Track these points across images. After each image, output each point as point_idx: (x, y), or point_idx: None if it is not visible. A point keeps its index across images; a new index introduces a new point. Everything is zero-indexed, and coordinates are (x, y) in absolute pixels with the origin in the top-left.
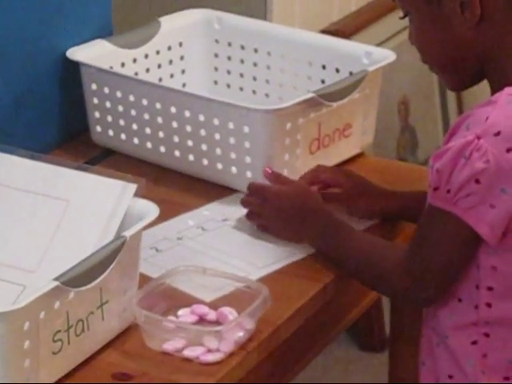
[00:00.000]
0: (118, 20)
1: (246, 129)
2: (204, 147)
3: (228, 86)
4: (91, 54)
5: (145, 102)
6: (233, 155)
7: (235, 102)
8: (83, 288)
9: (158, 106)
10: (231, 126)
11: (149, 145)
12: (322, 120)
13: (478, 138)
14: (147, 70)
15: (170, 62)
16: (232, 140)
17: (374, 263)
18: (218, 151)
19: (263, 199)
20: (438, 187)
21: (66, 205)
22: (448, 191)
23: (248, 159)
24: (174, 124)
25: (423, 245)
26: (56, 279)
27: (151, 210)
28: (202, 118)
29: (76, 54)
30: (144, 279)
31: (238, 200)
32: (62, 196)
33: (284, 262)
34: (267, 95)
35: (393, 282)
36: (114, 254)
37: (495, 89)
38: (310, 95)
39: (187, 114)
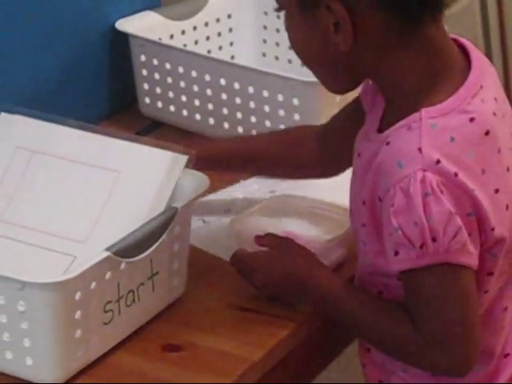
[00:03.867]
0: None
1: (296, 101)
2: (253, 119)
3: (276, 58)
4: (140, 25)
5: (194, 73)
6: (282, 127)
7: (284, 74)
8: (134, 259)
9: (207, 77)
10: (281, 98)
11: (198, 117)
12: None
13: (424, 170)
14: (196, 42)
15: (219, 34)
16: (281, 112)
17: (391, 346)
18: (268, 123)
19: (250, 272)
20: (424, 242)
21: (117, 175)
22: (434, 239)
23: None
24: (224, 96)
25: (432, 312)
26: (107, 249)
27: (202, 181)
28: (251, 90)
29: (125, 25)
30: (193, 250)
31: None
32: (112, 167)
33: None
34: None
35: (424, 363)
36: (165, 225)
37: (394, 106)
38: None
39: (236, 85)
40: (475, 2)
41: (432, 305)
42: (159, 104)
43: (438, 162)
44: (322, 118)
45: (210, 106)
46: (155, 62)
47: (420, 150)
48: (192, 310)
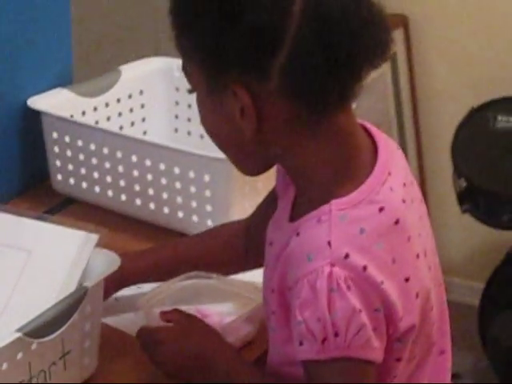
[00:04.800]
0: (78, 68)
1: (207, 177)
2: (165, 196)
3: (189, 133)
4: (52, 102)
5: (105, 150)
6: (194, 204)
7: (195, 151)
8: (46, 339)
9: (119, 154)
10: (192, 174)
11: (110, 193)
12: None
13: (332, 265)
14: (108, 119)
15: (131, 110)
16: (193, 188)
17: None
18: (179, 200)
19: (153, 346)
20: (326, 337)
21: (28, 255)
22: (336, 334)
23: (209, 207)
24: (135, 173)
25: None
26: (18, 330)
27: (113, 260)
28: (162, 166)
29: (36, 102)
30: (105, 327)
31: None
32: (23, 246)
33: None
34: None
35: None
36: (75, 305)
37: (305, 194)
38: None
39: (148, 162)
40: (387, 72)
41: None
42: (71, 181)
43: (347, 256)
44: (233, 193)
45: (122, 183)
46: (67, 139)
47: (329, 243)
48: None
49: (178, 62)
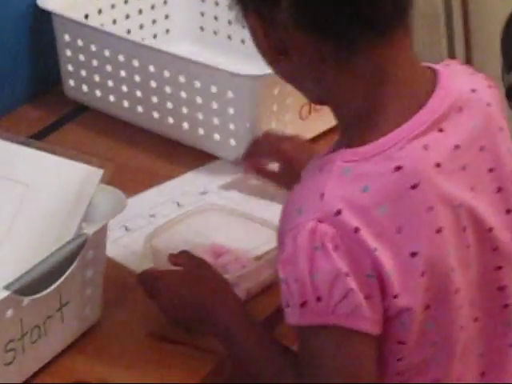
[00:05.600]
0: None
1: (230, 94)
2: (185, 110)
3: (215, 32)
4: (64, 1)
5: (121, 58)
6: (216, 121)
7: (218, 66)
8: (39, 295)
9: (136, 63)
10: (214, 89)
11: (125, 103)
12: None
13: (320, 221)
14: (127, 16)
15: (152, 6)
16: (215, 105)
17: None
18: (200, 116)
19: (155, 291)
20: (306, 300)
21: (26, 189)
22: (318, 299)
23: (232, 126)
24: (153, 84)
25: (316, 372)
26: (7, 288)
27: (119, 200)
28: (182, 79)
29: (47, 1)
30: (112, 265)
31: (217, 169)
32: (20, 178)
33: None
34: None
35: None
36: (74, 254)
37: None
38: None
39: (167, 74)
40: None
41: (317, 365)
42: (84, 87)
43: (339, 212)
44: (259, 112)
45: (139, 93)
46: (80, 43)
47: (322, 196)
48: (107, 340)
49: None
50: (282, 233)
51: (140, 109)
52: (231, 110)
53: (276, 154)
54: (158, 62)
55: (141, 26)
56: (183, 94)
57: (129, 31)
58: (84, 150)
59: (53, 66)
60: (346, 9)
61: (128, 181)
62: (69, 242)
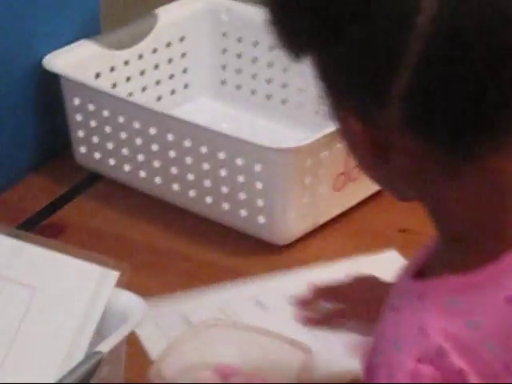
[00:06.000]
0: (105, 15)
1: (258, 167)
2: (207, 183)
3: (238, 87)
4: (73, 59)
5: (137, 125)
6: (242, 196)
7: (245, 138)
8: None
9: (153, 131)
10: (240, 162)
11: (142, 174)
12: None
13: (419, 360)
14: (142, 73)
15: (170, 60)
16: (241, 178)
17: None
18: (224, 189)
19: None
20: None
21: (32, 292)
22: None
23: (260, 202)
24: (172, 153)
25: None
26: None
27: (136, 307)
28: (204, 149)
29: (54, 61)
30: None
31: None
32: (26, 280)
33: None
34: (284, 102)
35: None
36: (86, 379)
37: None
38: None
39: (187, 143)
40: None
41: None
42: (97, 155)
43: (441, 351)
44: (290, 187)
45: (157, 164)
46: (91, 107)
47: (422, 330)
48: None
49: (225, 3)
50: (374, 365)
51: (158, 180)
52: (259, 185)
53: (335, 299)
54: (177, 131)
55: (157, 82)
56: (205, 166)
57: (144, 88)
58: (98, 226)
59: (61, 131)
60: (476, 115)
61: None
62: (81, 364)
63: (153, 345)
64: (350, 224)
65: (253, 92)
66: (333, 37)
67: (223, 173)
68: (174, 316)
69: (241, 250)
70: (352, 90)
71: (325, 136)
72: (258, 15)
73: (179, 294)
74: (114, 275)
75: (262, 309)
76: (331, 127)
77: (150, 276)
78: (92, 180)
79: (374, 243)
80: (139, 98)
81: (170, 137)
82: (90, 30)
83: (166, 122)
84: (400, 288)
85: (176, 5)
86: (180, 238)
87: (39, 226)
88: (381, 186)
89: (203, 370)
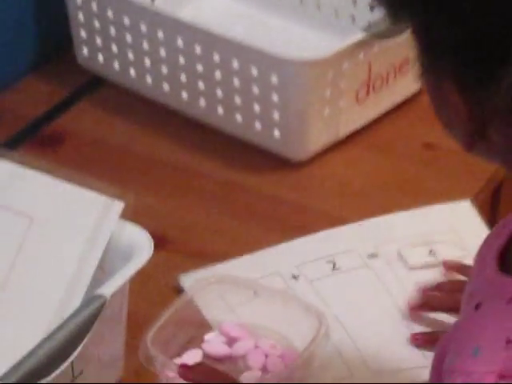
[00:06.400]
0: None
1: (275, 79)
2: (219, 93)
3: None
4: None
5: (143, 28)
6: (257, 108)
7: (259, 47)
8: (43, 380)
9: (161, 35)
10: (255, 72)
11: (149, 80)
12: (374, 59)
13: (502, 377)
14: None
15: None
16: (255, 89)
17: None
18: (238, 100)
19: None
20: None
21: (29, 223)
22: None
23: (276, 115)
24: (181, 60)
25: None
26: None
27: (142, 242)
28: (216, 57)
29: None
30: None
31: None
32: (22, 209)
33: None
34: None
35: None
36: (87, 325)
37: None
38: (359, 37)
39: (198, 50)
40: None
41: None
42: (100, 58)
43: None
44: (309, 100)
45: (165, 70)
46: (94, 6)
47: (509, 343)
48: None
49: None
50: (450, 366)
51: (166, 87)
52: (275, 97)
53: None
54: (187, 37)
55: None
56: (217, 75)
57: None
58: (100, 137)
59: (63, 29)
60: None
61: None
62: (82, 308)
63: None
64: (372, 138)
65: None
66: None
67: (236, 82)
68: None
69: (254, 165)
70: (462, 61)
71: (348, 46)
72: None
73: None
74: (118, 205)
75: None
76: (356, 35)
77: (157, 196)
78: (95, 84)
79: (397, 160)
80: None
81: (179, 42)
82: None
83: (175, 26)
84: (483, 276)
85: None
86: (189, 151)
87: (37, 135)
88: (467, 150)
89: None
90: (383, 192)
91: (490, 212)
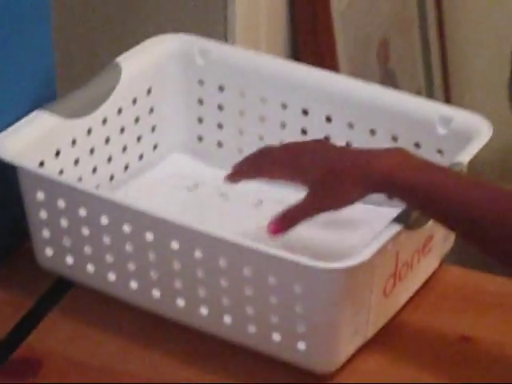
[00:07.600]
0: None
1: (298, 288)
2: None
3: (219, 144)
4: (25, 139)
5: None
6: (274, 319)
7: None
8: None
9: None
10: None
11: (134, 285)
12: (401, 248)
13: None
14: (107, 141)
15: (137, 119)
16: (273, 299)
17: None
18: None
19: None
20: None
21: None
22: None
23: (302, 328)
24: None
25: None
26: None
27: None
28: (175, 245)
29: (4, 144)
30: None
31: None
32: None
33: None
34: None
35: None
36: None
37: None
38: (394, 230)
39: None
40: None
41: None
42: (69, 259)
43: None
44: (340, 309)
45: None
46: (61, 203)
47: None
48: None
49: (200, 44)
50: None
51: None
52: (299, 309)
53: None
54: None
55: (124, 148)
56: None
57: (109, 158)
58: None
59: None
60: None
61: None
62: None
63: None
64: (401, 333)
65: (240, 150)
66: None
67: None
68: None
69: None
70: None
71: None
72: (243, 57)
73: None
74: None
75: None
76: (390, 230)
77: None
78: (61, 288)
79: (435, 357)
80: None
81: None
82: (44, 97)
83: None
84: None
85: (141, 48)
86: (190, 365)
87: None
88: None
89: None
90: None
91: None
